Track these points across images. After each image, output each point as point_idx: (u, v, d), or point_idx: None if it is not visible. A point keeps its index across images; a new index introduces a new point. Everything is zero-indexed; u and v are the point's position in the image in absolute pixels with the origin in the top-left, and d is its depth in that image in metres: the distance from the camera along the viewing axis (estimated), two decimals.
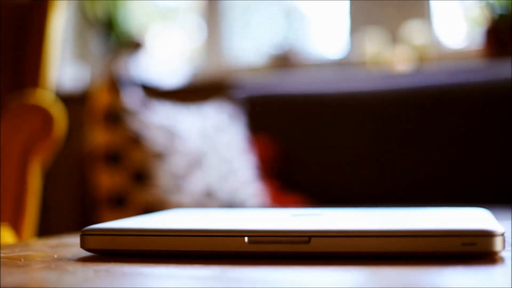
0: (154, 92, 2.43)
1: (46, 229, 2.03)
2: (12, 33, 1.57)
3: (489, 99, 1.94)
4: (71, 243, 0.60)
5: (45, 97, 1.47)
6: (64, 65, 2.79)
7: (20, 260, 0.50)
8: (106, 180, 1.66)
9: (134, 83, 2.26)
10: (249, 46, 2.79)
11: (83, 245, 0.51)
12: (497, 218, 0.54)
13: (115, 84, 1.72)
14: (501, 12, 2.26)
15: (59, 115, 1.41)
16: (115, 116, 1.68)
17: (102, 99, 1.70)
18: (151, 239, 0.50)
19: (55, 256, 0.52)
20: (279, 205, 1.88)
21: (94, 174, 1.69)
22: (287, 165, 2.10)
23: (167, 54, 2.89)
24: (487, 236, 0.46)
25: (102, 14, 2.83)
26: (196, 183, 1.73)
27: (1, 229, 1.22)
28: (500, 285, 0.39)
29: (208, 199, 1.73)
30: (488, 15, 2.28)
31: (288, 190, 2.04)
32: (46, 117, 1.38)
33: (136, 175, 1.66)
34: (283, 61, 2.57)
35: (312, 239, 0.47)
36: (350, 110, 2.08)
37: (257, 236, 0.48)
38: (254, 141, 2.05)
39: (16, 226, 1.33)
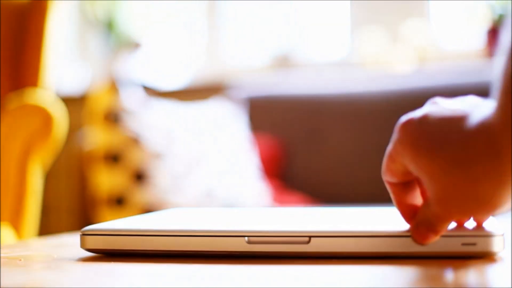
0: (154, 92, 2.43)
1: (46, 229, 2.03)
2: (12, 33, 1.57)
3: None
4: (71, 243, 0.60)
5: (45, 97, 1.47)
6: (64, 65, 2.79)
7: (20, 260, 0.50)
8: (106, 180, 1.66)
9: (134, 83, 2.26)
10: (249, 47, 2.79)
11: (83, 245, 0.51)
12: (497, 218, 0.54)
13: (115, 84, 1.72)
14: (501, 12, 2.26)
15: (59, 115, 1.41)
16: (115, 116, 1.68)
17: (102, 99, 1.70)
18: (151, 239, 0.50)
19: (55, 256, 0.52)
20: (279, 205, 1.88)
21: (94, 174, 1.69)
22: (288, 165, 2.10)
23: (167, 54, 2.89)
24: (487, 236, 0.46)
25: (102, 14, 2.83)
26: (196, 183, 1.73)
27: (1, 229, 1.22)
28: (500, 285, 0.39)
29: (208, 199, 1.73)
30: (489, 15, 2.28)
31: (289, 190, 2.04)
32: (46, 117, 1.38)
33: (135, 175, 1.66)
34: (284, 61, 2.57)
35: (312, 239, 0.47)
36: (350, 111, 2.08)
37: (257, 236, 0.48)
38: (254, 141, 2.05)
39: (16, 226, 1.33)
